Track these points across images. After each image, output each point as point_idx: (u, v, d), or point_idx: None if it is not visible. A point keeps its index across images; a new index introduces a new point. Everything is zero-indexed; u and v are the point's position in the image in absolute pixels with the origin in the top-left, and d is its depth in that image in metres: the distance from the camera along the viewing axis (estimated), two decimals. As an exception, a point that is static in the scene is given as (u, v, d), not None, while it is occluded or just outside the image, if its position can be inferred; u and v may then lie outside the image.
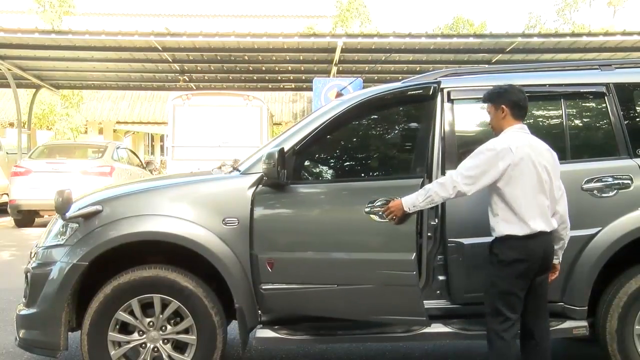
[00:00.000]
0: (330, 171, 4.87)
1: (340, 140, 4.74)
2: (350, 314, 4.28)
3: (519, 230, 3.83)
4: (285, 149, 4.27)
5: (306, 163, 4.65)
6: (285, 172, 4.17)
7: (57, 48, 16.11)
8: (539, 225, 3.85)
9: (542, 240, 3.88)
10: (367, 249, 4.22)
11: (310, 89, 17.83)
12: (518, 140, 3.89)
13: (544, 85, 4.66)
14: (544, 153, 3.96)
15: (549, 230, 3.90)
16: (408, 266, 4.10)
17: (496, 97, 4.03)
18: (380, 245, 4.22)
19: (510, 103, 3.98)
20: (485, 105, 4.12)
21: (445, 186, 3.86)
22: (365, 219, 4.19)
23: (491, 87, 4.15)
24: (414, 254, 4.12)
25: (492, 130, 4.09)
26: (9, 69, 17.52)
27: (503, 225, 3.86)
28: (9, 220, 14.70)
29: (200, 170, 5.77)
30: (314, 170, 4.77)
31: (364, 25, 29.92)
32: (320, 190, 4.51)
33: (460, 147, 4.43)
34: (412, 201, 3.95)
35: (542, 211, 3.87)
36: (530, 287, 3.94)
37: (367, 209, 4.19)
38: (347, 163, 4.91)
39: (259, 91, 21.06)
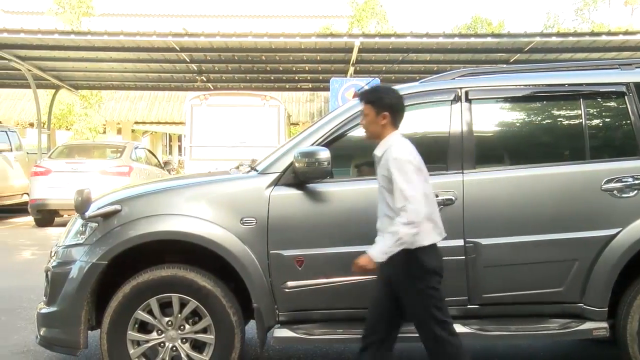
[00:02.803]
0: (355, 169, 4.88)
1: (360, 139, 4.71)
2: None
3: (437, 238, 3.77)
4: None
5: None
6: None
7: (76, 49, 16.24)
8: (443, 232, 3.83)
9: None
10: None
11: (327, 89, 17.84)
12: (411, 149, 3.76)
13: (563, 85, 4.62)
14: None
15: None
16: (457, 252, 4.19)
17: (378, 100, 3.81)
18: None
19: (393, 111, 3.80)
20: (362, 105, 3.91)
21: (410, 221, 3.57)
22: None
23: (371, 88, 4.00)
24: (463, 239, 4.18)
25: (365, 132, 3.91)
26: (29, 70, 17.67)
27: (425, 233, 3.68)
28: (29, 220, 14.84)
29: (218, 170, 5.80)
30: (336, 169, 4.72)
31: (381, 25, 29.87)
32: (350, 187, 4.48)
33: (478, 146, 4.43)
34: (381, 250, 3.65)
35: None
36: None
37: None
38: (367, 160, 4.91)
39: (276, 91, 21.11)
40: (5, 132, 16.09)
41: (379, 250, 3.65)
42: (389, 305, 3.86)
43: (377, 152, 3.82)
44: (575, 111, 4.60)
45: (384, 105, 3.79)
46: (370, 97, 3.86)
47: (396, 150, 3.71)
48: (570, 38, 15.65)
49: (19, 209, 16.03)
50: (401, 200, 3.60)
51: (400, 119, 3.85)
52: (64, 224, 5.15)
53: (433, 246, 3.74)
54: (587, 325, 4.28)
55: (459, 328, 4.24)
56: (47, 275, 4.52)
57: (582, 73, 4.86)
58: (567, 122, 4.80)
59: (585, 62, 6.35)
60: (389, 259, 3.66)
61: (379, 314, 3.89)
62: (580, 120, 4.53)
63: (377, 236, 3.82)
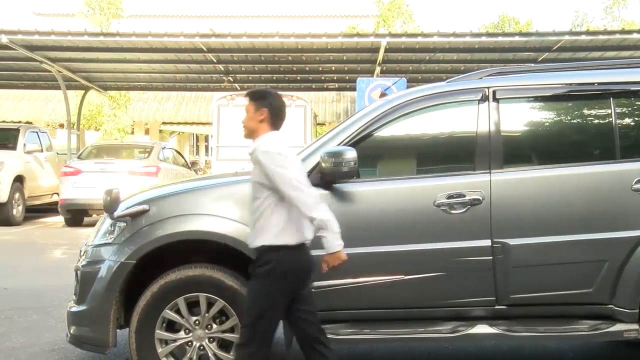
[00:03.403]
0: (382, 168, 4.90)
1: (387, 139, 4.71)
2: (418, 302, 4.33)
3: (291, 240, 3.68)
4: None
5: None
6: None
7: (105, 50, 16.42)
8: (309, 234, 3.76)
9: (307, 250, 3.79)
10: (440, 239, 4.25)
11: (353, 89, 17.81)
12: (285, 148, 3.71)
13: (593, 83, 4.57)
14: None
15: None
16: (484, 252, 4.19)
17: (260, 99, 3.83)
18: (455, 234, 4.25)
19: (272, 108, 3.80)
20: (247, 102, 3.88)
21: (311, 202, 3.57)
22: (437, 211, 4.24)
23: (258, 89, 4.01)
24: (490, 240, 4.17)
25: (243, 129, 3.87)
26: (59, 71, 17.91)
27: (276, 234, 3.65)
28: (59, 220, 15.03)
29: (245, 170, 5.82)
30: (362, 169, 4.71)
31: (407, 24, 29.74)
32: (376, 187, 4.46)
33: (506, 146, 4.41)
34: (334, 240, 3.61)
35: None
36: (300, 297, 3.82)
37: (437, 202, 4.23)
38: (396, 160, 4.91)
39: (303, 91, 21.12)
40: (36, 132, 16.31)
41: (334, 242, 3.61)
42: (296, 307, 3.85)
43: (250, 149, 3.81)
44: (605, 110, 4.55)
45: (265, 103, 3.79)
46: (253, 95, 3.88)
47: (265, 144, 3.71)
48: (600, 36, 15.47)
49: (49, 209, 16.24)
50: (290, 189, 3.58)
51: (279, 121, 3.82)
52: (93, 224, 5.21)
53: (300, 246, 3.70)
54: (618, 327, 4.23)
55: (486, 329, 4.24)
56: (76, 274, 4.57)
57: (612, 72, 4.81)
58: (596, 121, 4.75)
59: (615, 61, 6.26)
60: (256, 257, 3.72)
61: (296, 319, 3.88)
62: (610, 120, 4.47)
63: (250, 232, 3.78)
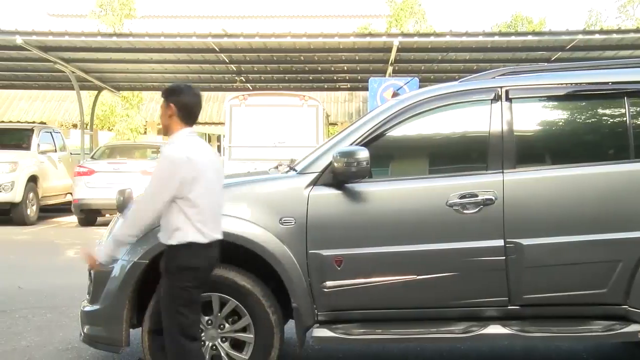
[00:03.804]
0: (394, 168, 4.90)
1: (399, 138, 4.69)
2: (430, 302, 4.33)
3: (201, 238, 3.69)
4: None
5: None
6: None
7: (118, 50, 16.49)
8: (217, 233, 3.81)
9: (215, 249, 3.84)
10: (452, 239, 4.25)
11: (365, 88, 17.78)
12: (193, 148, 3.73)
13: (607, 83, 4.54)
14: (216, 159, 3.93)
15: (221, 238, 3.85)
16: (497, 252, 4.18)
17: (168, 94, 3.83)
18: (468, 233, 4.24)
19: (179, 104, 3.76)
20: None
21: (129, 220, 3.71)
22: (449, 211, 4.23)
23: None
24: (503, 240, 4.16)
25: (162, 128, 3.92)
26: (73, 72, 18.00)
27: (187, 232, 3.67)
28: (73, 219, 15.11)
29: (257, 170, 5.83)
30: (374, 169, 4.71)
31: (419, 24, 29.68)
32: (388, 187, 4.47)
33: (519, 146, 4.40)
34: (105, 252, 3.79)
35: (218, 219, 3.82)
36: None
37: (449, 202, 4.22)
38: (409, 160, 4.91)
39: (315, 91, 21.13)
40: (50, 133, 16.41)
41: (102, 251, 3.81)
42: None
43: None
44: (619, 109, 4.53)
45: (172, 99, 3.79)
46: (163, 92, 3.89)
47: (170, 147, 3.75)
48: (614, 35, 15.37)
49: (62, 209, 16.31)
50: (143, 194, 3.76)
51: (189, 116, 3.82)
52: (106, 224, 5.24)
53: (194, 245, 3.69)
54: (632, 327, 4.21)
55: (499, 329, 4.23)
56: (90, 274, 4.59)
57: (627, 71, 4.78)
58: (610, 120, 4.72)
59: (629, 60, 6.22)
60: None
61: None
62: (625, 119, 4.45)
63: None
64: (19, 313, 6.51)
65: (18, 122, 25.52)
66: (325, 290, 4.23)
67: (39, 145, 15.34)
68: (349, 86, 22.41)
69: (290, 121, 14.14)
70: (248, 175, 5.11)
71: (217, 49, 16.30)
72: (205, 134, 40.33)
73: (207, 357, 4.30)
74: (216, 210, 3.82)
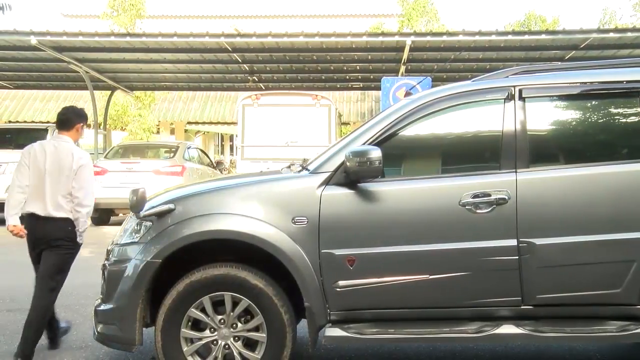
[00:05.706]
0: (407, 167, 4.88)
1: (412, 138, 4.68)
2: (443, 301, 4.31)
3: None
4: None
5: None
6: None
7: (131, 50, 16.59)
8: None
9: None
10: (465, 239, 4.23)
11: (378, 88, 17.80)
12: (29, 149, 5.27)
13: (621, 82, 4.51)
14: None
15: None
16: (510, 252, 4.16)
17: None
18: (481, 233, 4.23)
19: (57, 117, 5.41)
20: None
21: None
22: (462, 211, 4.22)
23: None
24: (516, 239, 4.15)
25: None
26: (87, 72, 18.11)
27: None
28: (86, 219, 15.14)
29: (270, 169, 5.84)
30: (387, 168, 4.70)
31: (431, 23, 29.63)
32: (401, 187, 4.44)
33: (532, 145, 4.38)
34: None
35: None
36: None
37: (462, 202, 4.21)
38: (421, 160, 4.89)
39: (327, 91, 21.17)
40: (64, 132, 16.46)
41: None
42: None
43: None
44: (634, 108, 4.49)
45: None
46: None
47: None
48: (629, 34, 15.27)
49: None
50: None
51: (59, 125, 5.55)
52: (119, 223, 5.26)
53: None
54: (646, 328, 4.18)
55: (512, 329, 4.21)
56: (103, 273, 4.62)
57: (642, 69, 4.73)
58: (624, 119, 4.68)
59: (643, 59, 6.16)
60: None
61: None
62: (639, 118, 4.42)
63: None
64: (33, 312, 6.52)
65: (32, 122, 25.66)
66: (338, 289, 4.22)
67: (53, 144, 15.39)
68: (361, 85, 22.41)
69: (303, 121, 14.17)
70: (260, 174, 5.11)
71: (230, 49, 16.35)
72: (218, 133, 40.59)
73: (220, 356, 4.32)
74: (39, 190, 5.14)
